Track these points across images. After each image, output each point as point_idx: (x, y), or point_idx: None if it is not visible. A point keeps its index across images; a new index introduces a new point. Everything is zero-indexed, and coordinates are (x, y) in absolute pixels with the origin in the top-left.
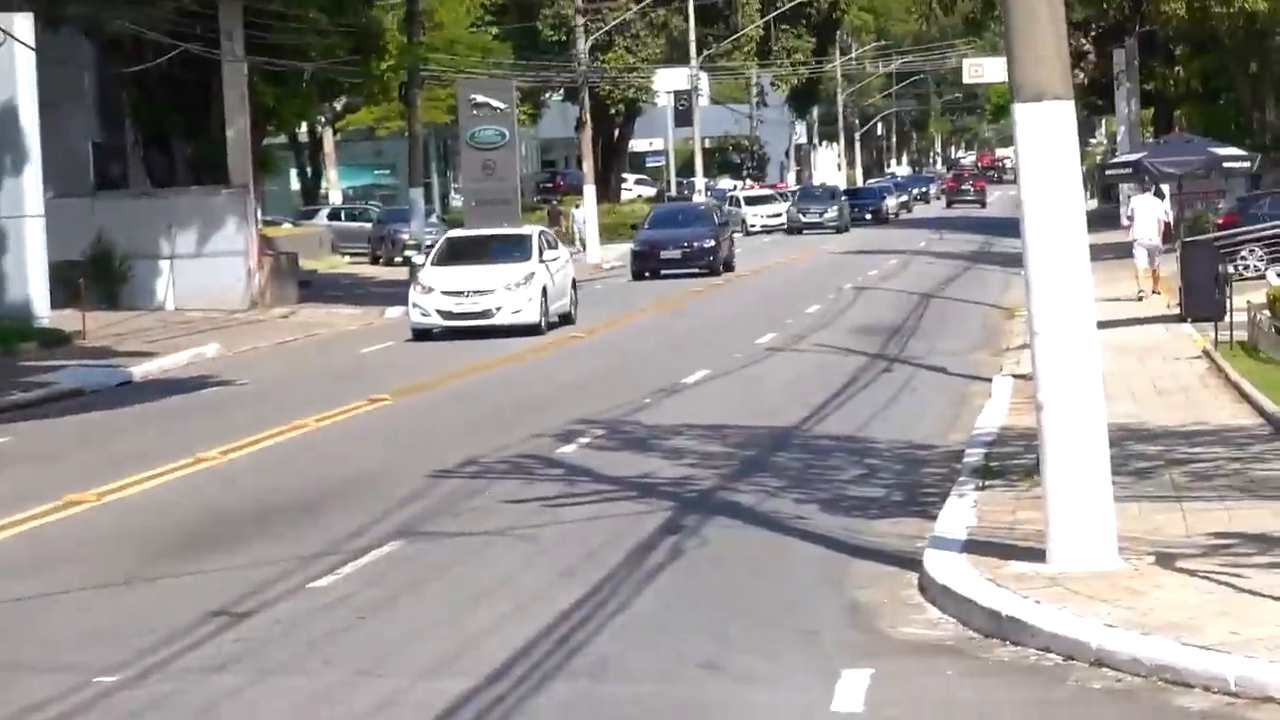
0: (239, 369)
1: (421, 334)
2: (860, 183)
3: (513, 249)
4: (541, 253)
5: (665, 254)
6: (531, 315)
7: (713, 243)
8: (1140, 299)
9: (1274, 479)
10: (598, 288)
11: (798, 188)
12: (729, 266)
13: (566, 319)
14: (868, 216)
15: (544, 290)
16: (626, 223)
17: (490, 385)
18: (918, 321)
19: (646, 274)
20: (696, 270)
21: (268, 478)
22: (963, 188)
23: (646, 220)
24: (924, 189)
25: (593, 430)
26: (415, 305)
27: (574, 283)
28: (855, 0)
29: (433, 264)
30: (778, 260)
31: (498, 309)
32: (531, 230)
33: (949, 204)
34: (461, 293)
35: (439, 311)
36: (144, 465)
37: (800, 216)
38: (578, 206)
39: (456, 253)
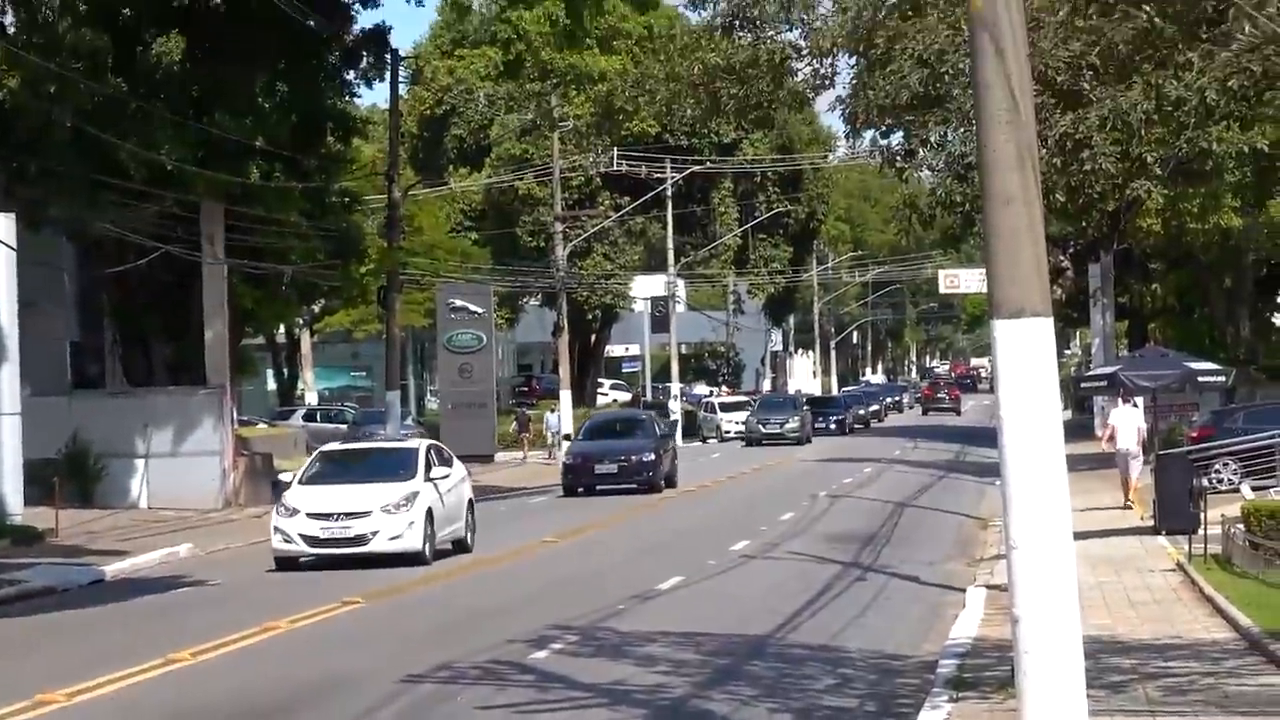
0: (212, 569)
1: (285, 563)
2: (835, 390)
3: (394, 465)
4: (429, 469)
5: (600, 468)
6: (413, 541)
7: (652, 456)
8: (1128, 508)
9: (1249, 694)
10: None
11: (757, 397)
12: (670, 483)
13: (461, 546)
14: (831, 426)
15: (429, 513)
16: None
17: (458, 593)
18: (892, 530)
19: (580, 489)
20: (634, 486)
21: (239, 679)
22: (938, 395)
23: (580, 431)
24: (897, 397)
25: (566, 636)
26: (277, 530)
27: (471, 505)
28: (832, 210)
29: (300, 483)
30: (739, 472)
31: (373, 534)
32: (417, 444)
33: (925, 411)
34: (330, 515)
35: (304, 537)
36: (115, 665)
37: (760, 427)
38: (552, 410)
39: (330, 470)
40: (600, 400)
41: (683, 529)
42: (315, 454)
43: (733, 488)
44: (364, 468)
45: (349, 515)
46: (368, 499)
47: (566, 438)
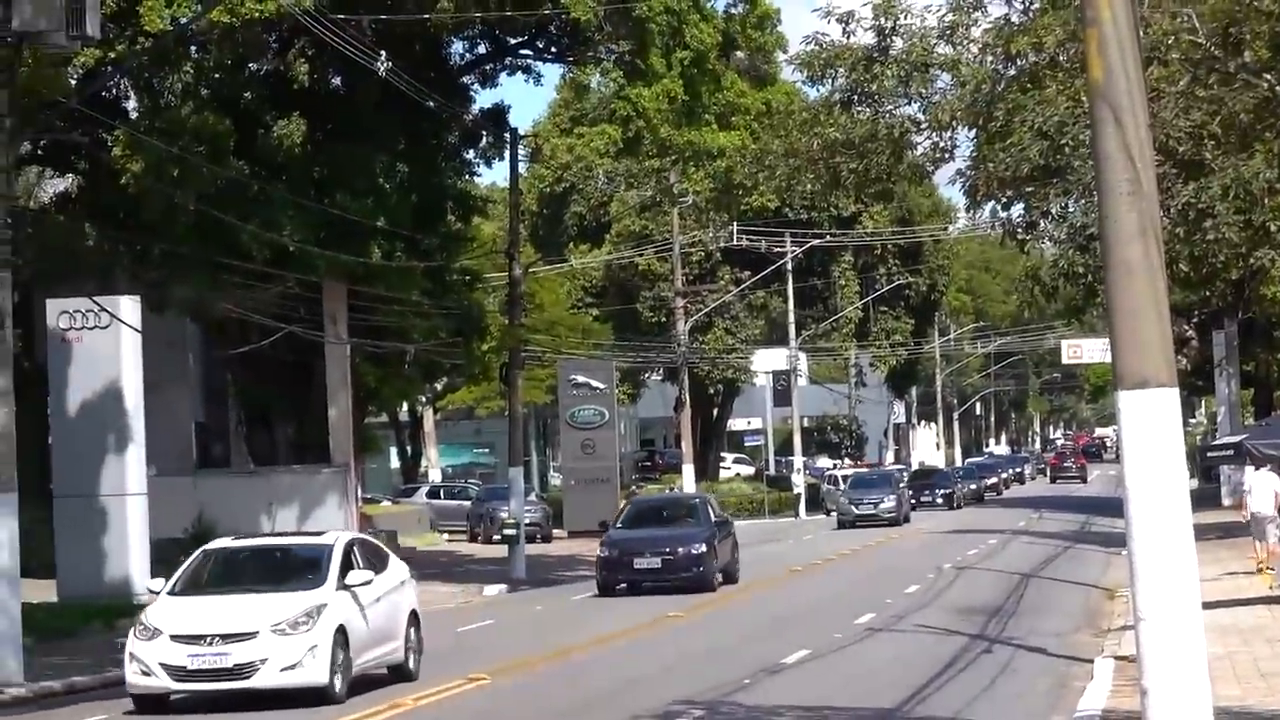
0: None
1: (147, 703)
2: (960, 460)
3: (296, 568)
4: (344, 573)
5: (640, 562)
6: (315, 674)
7: (703, 548)
8: (1261, 571)
9: None
10: None
11: (850, 473)
12: (730, 578)
13: (400, 673)
14: (938, 501)
15: (341, 632)
16: (725, 500)
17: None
18: (1018, 601)
19: (619, 586)
20: (681, 583)
21: None
22: (1065, 464)
23: (620, 516)
24: (1019, 469)
25: (692, 710)
26: (132, 658)
27: (415, 618)
28: (953, 282)
29: (170, 593)
30: (851, 549)
31: (261, 662)
32: (331, 539)
33: (1053, 479)
34: (202, 638)
35: (167, 668)
36: None
37: (852, 508)
38: (671, 488)
39: (213, 574)
40: (723, 474)
41: (806, 605)
42: (195, 554)
43: (846, 566)
44: (256, 571)
45: (227, 638)
46: (253, 615)
47: (602, 525)
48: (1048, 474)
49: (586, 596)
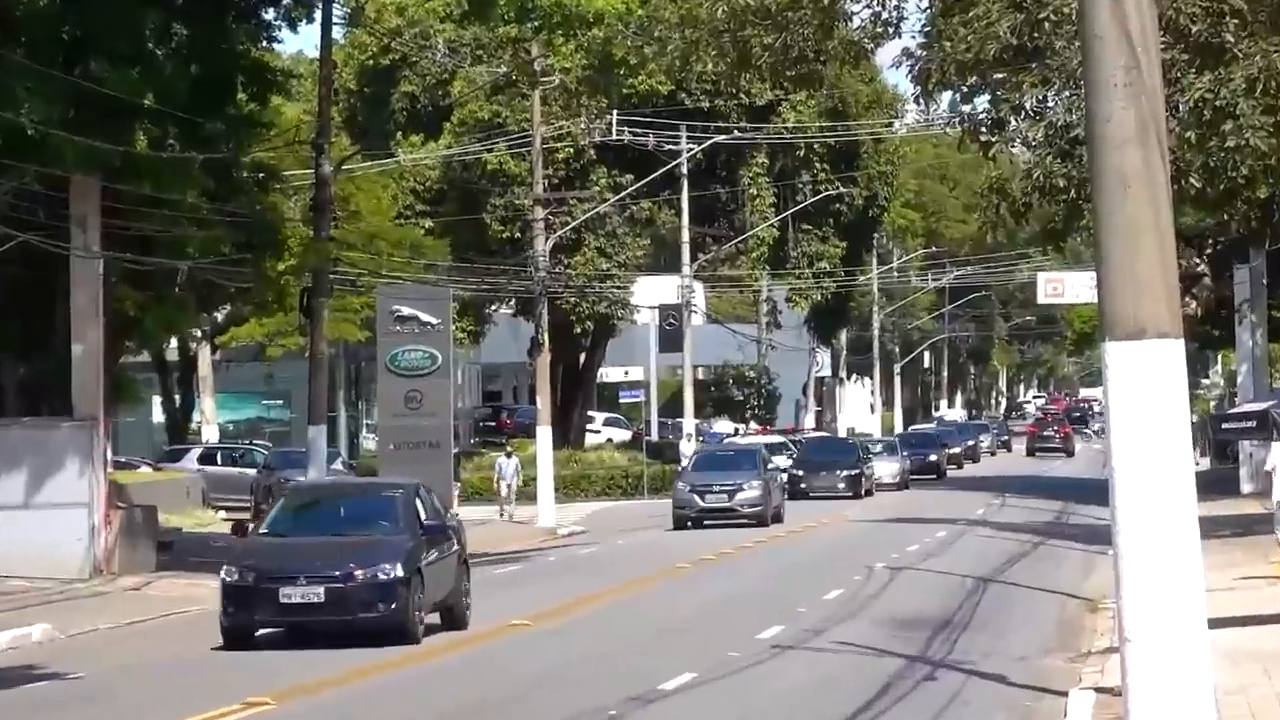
0: (73, 658)
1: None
2: (899, 428)
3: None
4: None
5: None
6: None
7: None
8: None
9: None
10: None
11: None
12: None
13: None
14: (839, 486)
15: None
16: (592, 475)
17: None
18: (971, 613)
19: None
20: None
21: None
22: (1045, 433)
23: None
24: (973, 440)
25: None
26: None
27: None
28: (898, 195)
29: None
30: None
31: None
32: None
33: (1031, 451)
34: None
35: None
36: None
37: (695, 499)
38: (508, 453)
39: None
40: (590, 439)
41: (690, 614)
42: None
43: (748, 562)
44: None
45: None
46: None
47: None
48: (1024, 446)
49: None
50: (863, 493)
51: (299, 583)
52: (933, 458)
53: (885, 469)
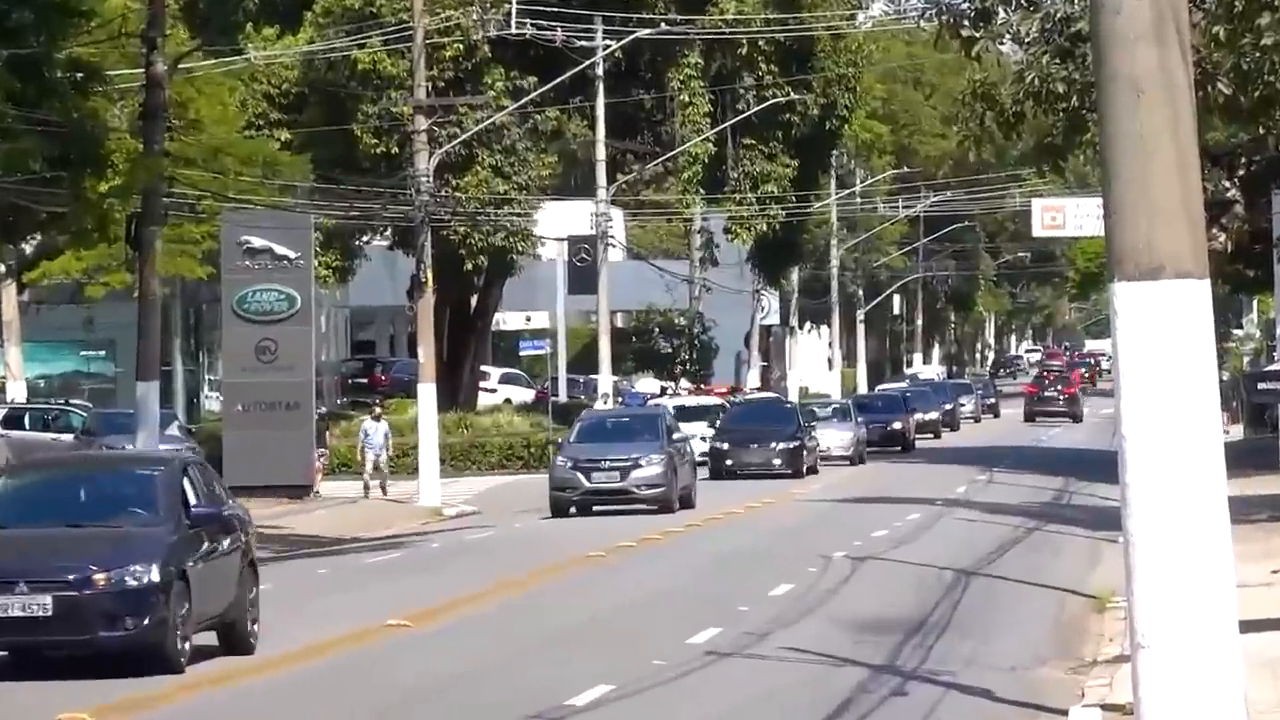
0: None
1: None
2: (861, 388)
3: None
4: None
5: None
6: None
7: None
8: None
9: None
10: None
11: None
12: None
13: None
14: (775, 462)
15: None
16: (487, 443)
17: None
18: (951, 613)
19: None
20: None
21: None
22: (1047, 394)
23: None
24: (950, 402)
25: None
26: None
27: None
28: (862, 104)
29: None
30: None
31: None
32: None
33: (1030, 416)
34: None
35: None
36: None
37: (580, 479)
38: (376, 415)
39: None
40: (484, 400)
41: (606, 614)
42: None
43: (677, 550)
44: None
45: None
46: None
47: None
48: (1022, 410)
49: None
50: (803, 469)
51: (18, 590)
52: (896, 425)
53: (834, 439)
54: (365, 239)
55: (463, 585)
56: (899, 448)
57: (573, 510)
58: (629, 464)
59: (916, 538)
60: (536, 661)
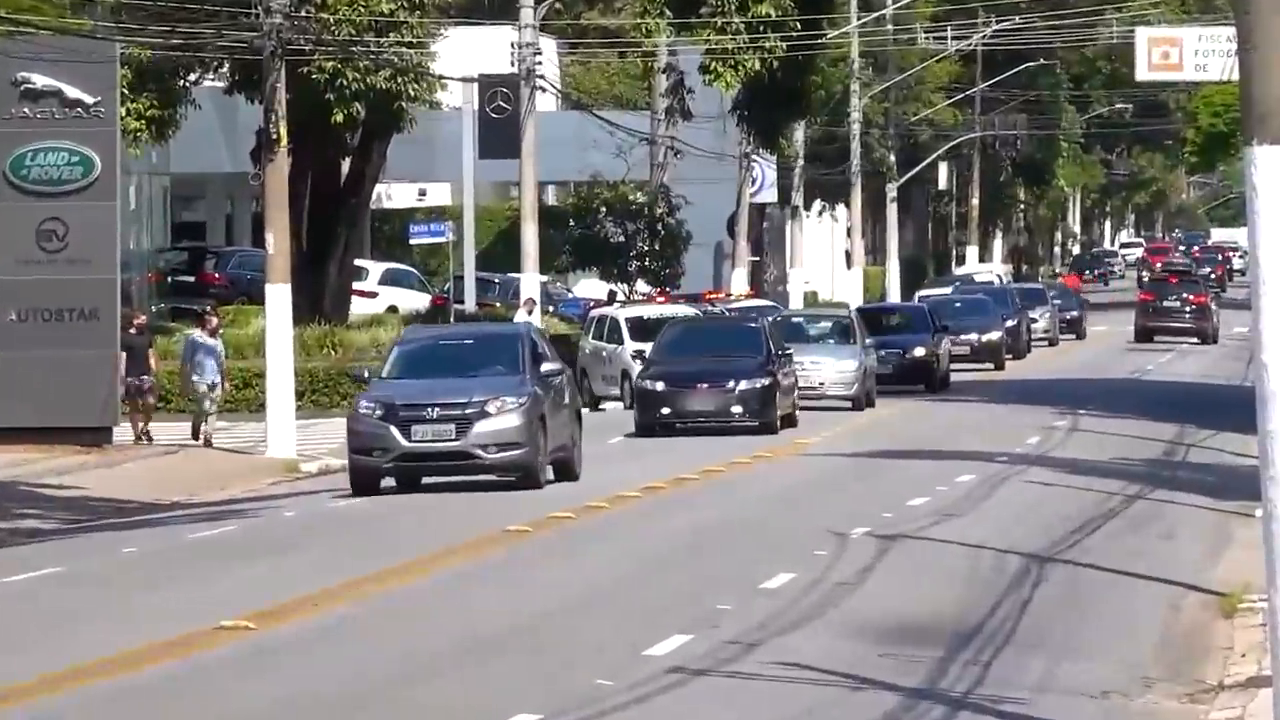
0: None
1: None
2: (893, 295)
3: None
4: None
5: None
6: None
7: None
8: None
9: None
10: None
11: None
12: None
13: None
14: (734, 411)
15: None
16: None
17: None
18: (1017, 614)
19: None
20: None
21: None
22: (1166, 303)
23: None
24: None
25: None
26: None
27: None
28: None
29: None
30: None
31: None
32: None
33: (1142, 334)
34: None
35: None
36: None
37: (397, 437)
38: (212, 328)
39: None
40: (360, 306)
41: (528, 614)
42: None
43: (641, 523)
44: None
45: None
46: None
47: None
48: (1132, 325)
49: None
50: (775, 420)
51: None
52: (917, 351)
53: (828, 371)
54: (192, 78)
55: (326, 572)
56: (921, 385)
57: (377, 483)
58: (468, 412)
59: (969, 508)
60: (429, 680)
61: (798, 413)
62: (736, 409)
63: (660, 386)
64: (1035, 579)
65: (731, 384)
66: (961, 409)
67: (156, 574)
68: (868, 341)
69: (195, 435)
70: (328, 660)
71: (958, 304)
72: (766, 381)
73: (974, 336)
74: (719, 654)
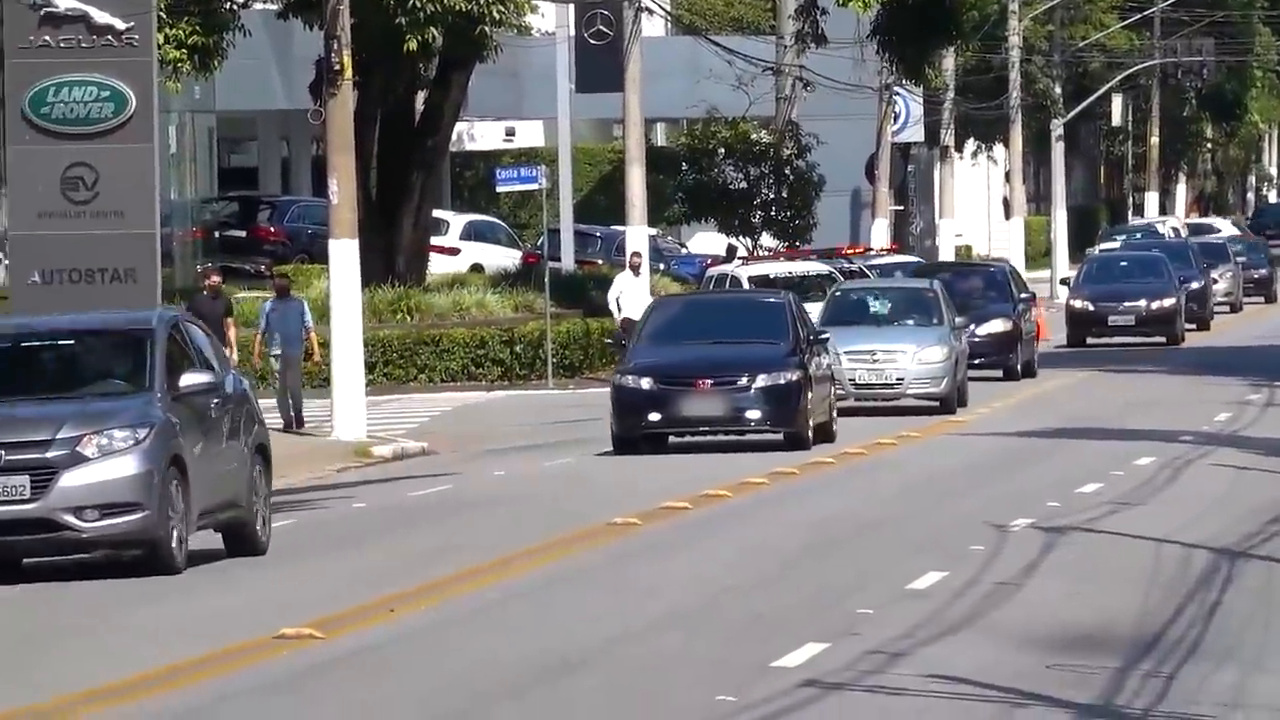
0: None
1: None
2: (1059, 249)
3: None
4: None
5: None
6: None
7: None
8: None
9: None
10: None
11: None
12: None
13: None
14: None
15: None
16: (444, 338)
17: None
18: (1204, 619)
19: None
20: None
21: None
22: None
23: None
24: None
25: None
26: None
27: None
28: None
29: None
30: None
31: None
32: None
33: None
34: None
35: None
36: None
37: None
38: (284, 288)
39: None
40: (439, 265)
41: (641, 618)
42: None
43: (786, 503)
44: None
45: None
46: None
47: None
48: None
49: None
50: (806, 431)
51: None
52: (995, 326)
53: (913, 364)
54: (241, 0)
55: (402, 572)
56: (999, 372)
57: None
58: (736, 382)
59: (1148, 496)
60: (515, 698)
61: (836, 420)
62: (752, 414)
63: (647, 384)
64: (1225, 578)
65: (745, 379)
66: (1135, 381)
67: (206, 575)
68: (956, 320)
69: (289, 424)
70: (400, 675)
71: (1124, 263)
72: (793, 376)
73: (1141, 304)
74: (859, 665)
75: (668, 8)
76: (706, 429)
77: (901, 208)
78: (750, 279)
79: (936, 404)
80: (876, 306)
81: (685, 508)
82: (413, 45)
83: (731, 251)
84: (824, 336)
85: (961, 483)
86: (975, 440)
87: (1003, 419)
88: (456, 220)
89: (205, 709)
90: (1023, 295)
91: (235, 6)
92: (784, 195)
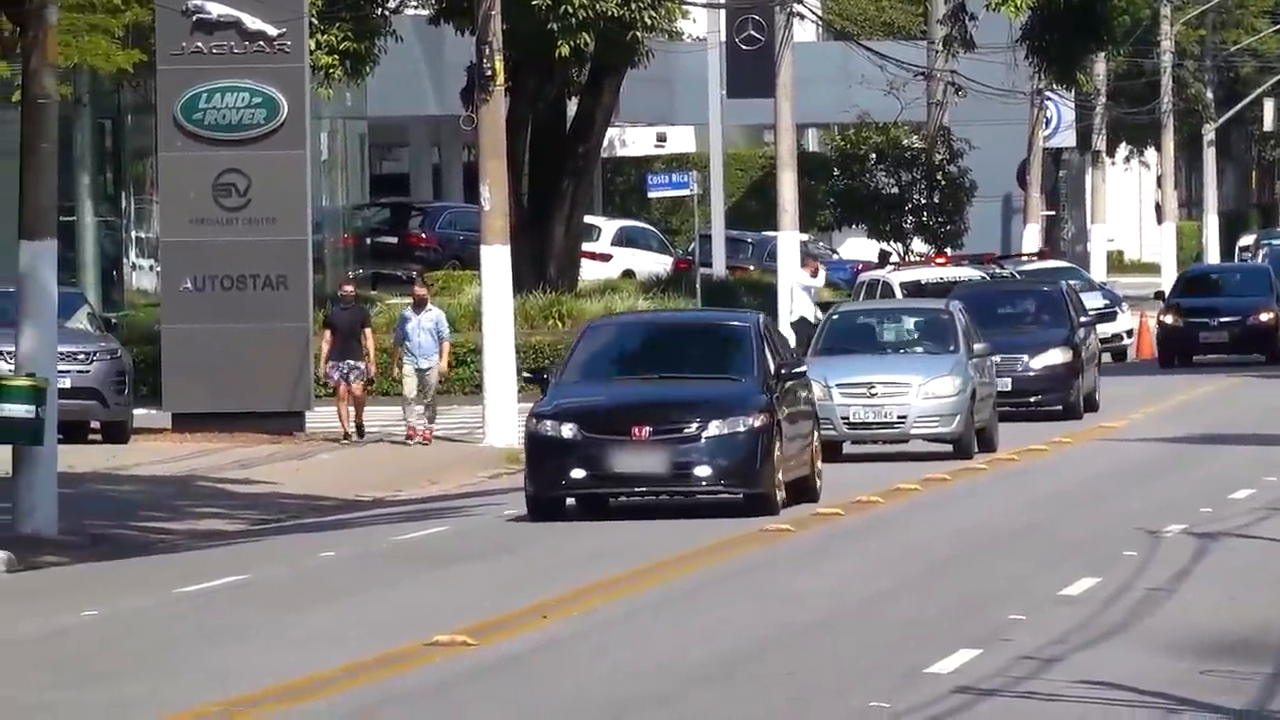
0: None
1: None
2: (1211, 254)
3: None
4: None
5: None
6: None
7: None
8: None
9: None
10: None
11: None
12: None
13: None
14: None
15: None
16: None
17: None
18: None
19: None
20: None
21: None
22: None
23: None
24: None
25: None
26: None
27: None
28: None
29: None
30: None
31: None
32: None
33: None
34: None
35: None
36: None
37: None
38: (421, 299)
39: None
40: (591, 271)
41: (794, 623)
42: None
43: (945, 511)
44: None
45: None
46: None
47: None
48: None
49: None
50: (774, 490)
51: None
52: (1052, 358)
53: (919, 399)
54: (393, 6)
55: (551, 578)
56: (1059, 406)
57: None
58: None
59: None
60: (670, 704)
61: (819, 475)
62: (701, 470)
63: (569, 432)
64: None
65: (695, 427)
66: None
67: (357, 581)
68: (976, 346)
69: (413, 433)
70: (550, 682)
71: (1235, 274)
72: (757, 422)
73: (1234, 318)
74: (1012, 671)
75: (819, 13)
76: (644, 488)
77: (1053, 213)
78: (902, 284)
79: (948, 446)
80: (880, 331)
81: (838, 514)
82: (565, 51)
83: (884, 257)
84: (800, 370)
85: (1111, 488)
86: (1123, 446)
87: (1151, 425)
88: (608, 226)
89: (354, 715)
90: (1083, 319)
91: (387, 12)
92: (935, 200)
